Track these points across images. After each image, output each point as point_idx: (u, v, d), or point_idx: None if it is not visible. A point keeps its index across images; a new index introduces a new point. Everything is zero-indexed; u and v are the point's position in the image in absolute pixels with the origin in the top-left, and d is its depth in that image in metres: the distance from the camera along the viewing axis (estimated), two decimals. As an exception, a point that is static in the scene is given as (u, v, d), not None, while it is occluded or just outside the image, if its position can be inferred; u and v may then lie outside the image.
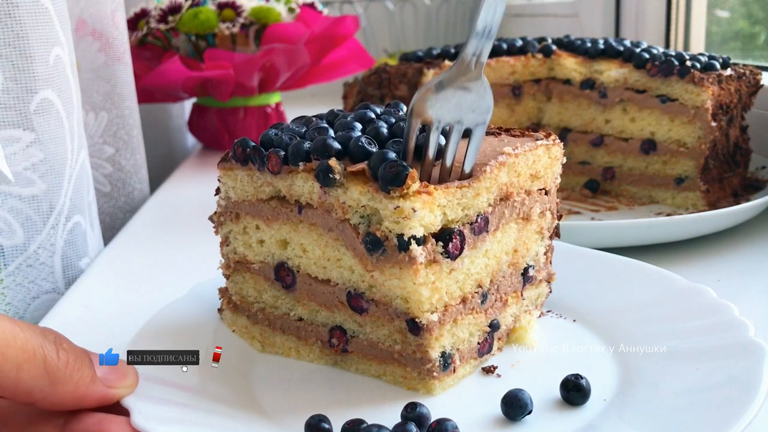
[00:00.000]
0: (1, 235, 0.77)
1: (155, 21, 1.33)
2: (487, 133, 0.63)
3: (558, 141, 0.62)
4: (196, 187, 1.25)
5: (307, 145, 0.55)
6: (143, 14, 1.37)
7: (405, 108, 0.66)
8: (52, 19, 0.79)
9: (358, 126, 0.58)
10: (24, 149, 0.77)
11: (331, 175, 0.53)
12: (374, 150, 0.54)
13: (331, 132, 0.57)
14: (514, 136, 0.62)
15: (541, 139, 0.61)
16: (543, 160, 0.61)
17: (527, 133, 0.63)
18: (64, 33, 0.82)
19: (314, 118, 0.64)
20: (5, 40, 0.75)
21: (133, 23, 1.36)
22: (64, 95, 0.81)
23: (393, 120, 0.60)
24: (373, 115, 0.61)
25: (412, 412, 0.50)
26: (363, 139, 0.54)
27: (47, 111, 0.79)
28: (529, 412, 0.51)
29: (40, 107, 0.78)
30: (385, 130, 0.57)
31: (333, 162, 0.53)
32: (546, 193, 0.63)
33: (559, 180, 0.64)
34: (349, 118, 0.60)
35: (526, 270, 0.63)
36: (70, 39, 0.84)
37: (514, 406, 0.51)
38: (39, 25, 0.77)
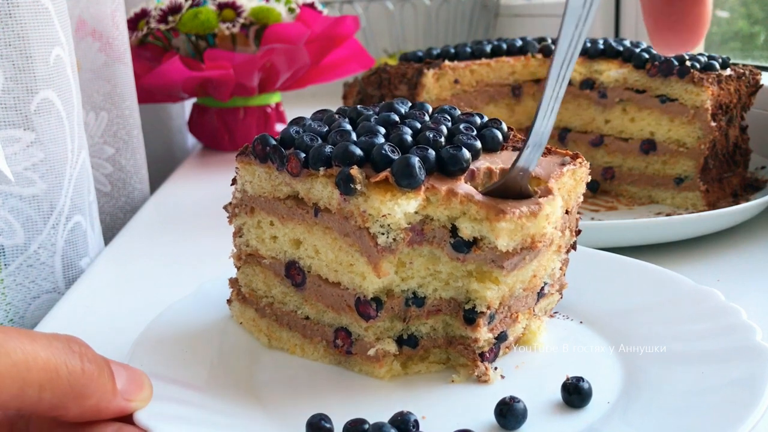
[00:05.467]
0: (1, 235, 0.77)
1: (155, 21, 1.33)
2: (513, 147, 0.61)
3: (585, 162, 0.61)
4: (197, 187, 1.25)
5: (328, 149, 0.55)
6: (143, 14, 1.37)
7: (430, 109, 0.66)
8: (53, 19, 0.79)
9: (382, 130, 0.57)
10: (24, 149, 0.77)
11: (352, 185, 0.52)
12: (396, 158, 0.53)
13: (353, 135, 0.57)
14: None
15: (569, 163, 0.59)
16: (568, 185, 0.59)
17: (554, 150, 0.61)
18: (65, 33, 0.82)
19: (337, 116, 0.63)
20: (5, 40, 0.75)
21: (133, 23, 1.36)
22: (64, 95, 0.81)
23: (418, 125, 0.59)
24: (397, 118, 0.60)
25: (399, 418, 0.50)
26: (386, 147, 0.54)
27: (47, 111, 0.79)
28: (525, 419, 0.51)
29: (40, 107, 0.78)
30: (409, 138, 0.56)
31: (355, 171, 0.53)
32: (567, 212, 0.61)
33: (581, 199, 0.62)
34: (372, 120, 0.59)
35: (541, 288, 0.62)
36: (71, 39, 0.84)
37: (509, 417, 0.50)
38: (39, 25, 0.77)
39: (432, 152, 0.55)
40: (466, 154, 0.55)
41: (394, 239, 0.54)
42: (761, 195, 0.97)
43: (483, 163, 0.58)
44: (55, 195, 0.81)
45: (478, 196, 0.54)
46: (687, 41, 0.44)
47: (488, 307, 0.56)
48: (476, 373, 0.57)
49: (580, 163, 0.60)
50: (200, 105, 1.50)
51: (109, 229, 1.12)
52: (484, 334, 0.56)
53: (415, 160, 0.52)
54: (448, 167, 0.55)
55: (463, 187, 0.55)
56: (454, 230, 0.56)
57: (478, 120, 0.63)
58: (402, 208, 0.52)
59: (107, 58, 1.11)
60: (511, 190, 0.54)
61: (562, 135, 1.15)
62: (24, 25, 0.75)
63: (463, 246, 0.55)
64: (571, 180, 0.60)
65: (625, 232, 0.84)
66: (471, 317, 0.57)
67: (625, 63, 1.08)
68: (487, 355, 0.58)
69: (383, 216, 0.52)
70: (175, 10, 1.33)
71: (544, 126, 0.52)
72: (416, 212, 0.54)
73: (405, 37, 2.28)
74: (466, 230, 0.55)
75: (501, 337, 0.59)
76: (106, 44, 1.10)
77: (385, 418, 0.50)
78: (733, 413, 0.46)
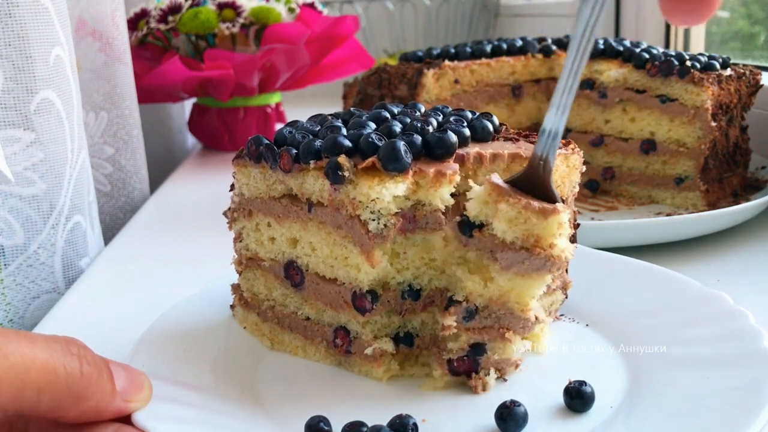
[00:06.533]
0: (1, 235, 0.77)
1: (155, 21, 1.33)
2: (505, 138, 0.62)
3: (577, 149, 0.61)
4: (197, 187, 1.25)
5: (318, 143, 0.56)
6: (143, 14, 1.37)
7: (423, 108, 0.66)
8: (52, 19, 0.79)
9: (372, 125, 0.58)
10: (24, 149, 0.77)
11: (340, 173, 0.53)
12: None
13: (344, 130, 0.57)
14: (532, 142, 0.61)
15: (560, 147, 0.60)
16: (560, 170, 0.60)
17: None
18: (64, 33, 0.82)
19: (330, 117, 0.64)
20: (5, 40, 0.75)
21: (133, 23, 1.36)
22: (64, 95, 0.81)
23: (408, 120, 0.60)
24: (388, 115, 0.61)
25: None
26: (373, 135, 0.54)
27: (47, 111, 0.79)
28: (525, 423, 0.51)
29: (40, 107, 0.78)
30: (397, 128, 0.57)
31: (342, 159, 0.53)
32: (563, 202, 0.61)
33: (577, 189, 0.62)
34: (364, 118, 0.60)
35: None
36: (70, 39, 0.84)
37: (509, 421, 0.50)
38: (39, 25, 0.77)
39: (418, 137, 0.56)
40: (453, 137, 0.56)
41: (386, 225, 0.54)
42: (761, 195, 0.97)
43: (473, 149, 0.58)
44: (55, 195, 0.81)
45: (496, 179, 0.54)
46: (700, 13, 0.44)
47: (467, 300, 0.55)
48: (472, 383, 0.56)
49: (572, 149, 0.60)
50: (200, 105, 1.50)
51: (109, 229, 1.12)
52: (449, 321, 0.55)
53: (401, 144, 0.53)
54: (435, 150, 0.56)
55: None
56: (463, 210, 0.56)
57: (469, 115, 0.63)
58: (390, 191, 0.53)
59: (107, 58, 1.11)
60: (536, 187, 0.54)
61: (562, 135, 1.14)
62: (24, 25, 0.75)
63: (467, 227, 0.55)
64: (563, 165, 0.60)
65: (625, 232, 0.84)
66: (448, 304, 0.56)
67: (625, 63, 1.08)
68: (456, 363, 0.56)
69: (372, 201, 0.53)
70: (175, 10, 1.33)
71: (558, 117, 0.52)
72: (407, 197, 0.55)
73: (405, 37, 2.28)
74: (473, 210, 0.54)
75: (477, 349, 0.56)
76: (106, 44, 1.10)
77: (384, 420, 0.50)
78: (738, 418, 0.46)
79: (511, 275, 0.54)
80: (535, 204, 0.52)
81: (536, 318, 0.56)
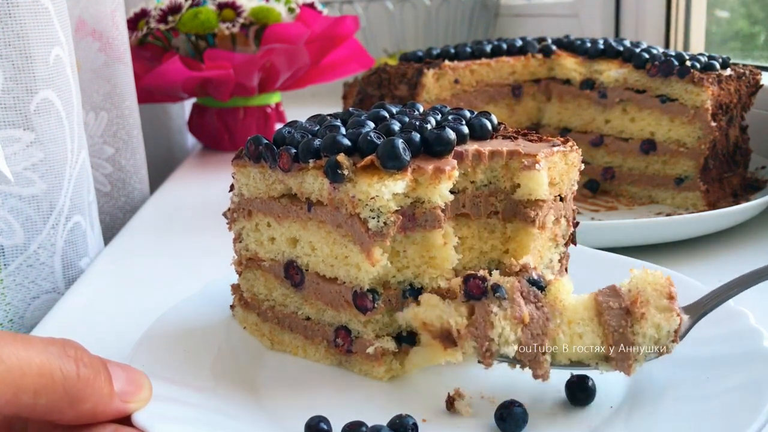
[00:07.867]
0: (1, 235, 0.77)
1: (155, 21, 1.33)
2: (504, 137, 0.62)
3: (575, 147, 0.61)
4: (196, 187, 1.25)
5: (317, 142, 0.56)
6: (143, 14, 1.37)
7: (422, 108, 0.66)
8: (52, 19, 0.79)
9: (371, 124, 0.58)
10: (24, 149, 0.77)
11: (340, 171, 0.53)
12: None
13: (343, 129, 0.58)
14: (530, 140, 0.61)
15: (558, 145, 0.60)
16: (559, 167, 0.60)
17: (544, 138, 0.62)
18: (64, 33, 0.82)
19: (329, 117, 0.64)
20: (5, 40, 0.75)
21: (133, 23, 1.36)
22: (64, 95, 0.81)
23: (406, 119, 0.60)
24: (386, 114, 0.62)
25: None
26: (372, 134, 0.55)
27: (47, 111, 0.79)
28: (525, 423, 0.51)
29: (40, 107, 0.78)
30: (396, 127, 0.57)
31: (341, 157, 0.54)
32: (562, 200, 0.61)
33: (576, 187, 0.63)
34: (362, 117, 0.60)
35: (539, 279, 0.60)
36: (70, 39, 0.84)
37: (509, 421, 0.50)
38: (39, 25, 0.77)
39: (417, 135, 0.56)
40: (451, 134, 0.56)
41: (385, 223, 0.54)
42: (761, 195, 0.97)
43: (472, 146, 0.59)
44: (55, 195, 0.81)
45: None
46: None
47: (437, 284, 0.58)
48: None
49: (571, 146, 0.61)
50: (200, 105, 1.50)
51: (109, 229, 1.12)
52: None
53: (399, 142, 0.53)
54: (433, 147, 0.56)
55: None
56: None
57: (467, 114, 0.64)
58: (389, 189, 0.53)
59: (107, 58, 1.11)
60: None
61: (562, 135, 1.15)
62: (24, 25, 0.75)
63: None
64: (562, 162, 0.60)
65: (625, 232, 0.84)
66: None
67: (625, 63, 1.08)
68: (471, 282, 0.54)
69: (372, 199, 0.53)
70: (175, 10, 1.33)
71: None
72: (406, 195, 0.55)
73: (405, 37, 2.28)
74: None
75: (497, 289, 0.54)
76: (106, 44, 1.10)
77: (384, 420, 0.50)
78: (737, 418, 0.46)
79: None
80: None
81: None
